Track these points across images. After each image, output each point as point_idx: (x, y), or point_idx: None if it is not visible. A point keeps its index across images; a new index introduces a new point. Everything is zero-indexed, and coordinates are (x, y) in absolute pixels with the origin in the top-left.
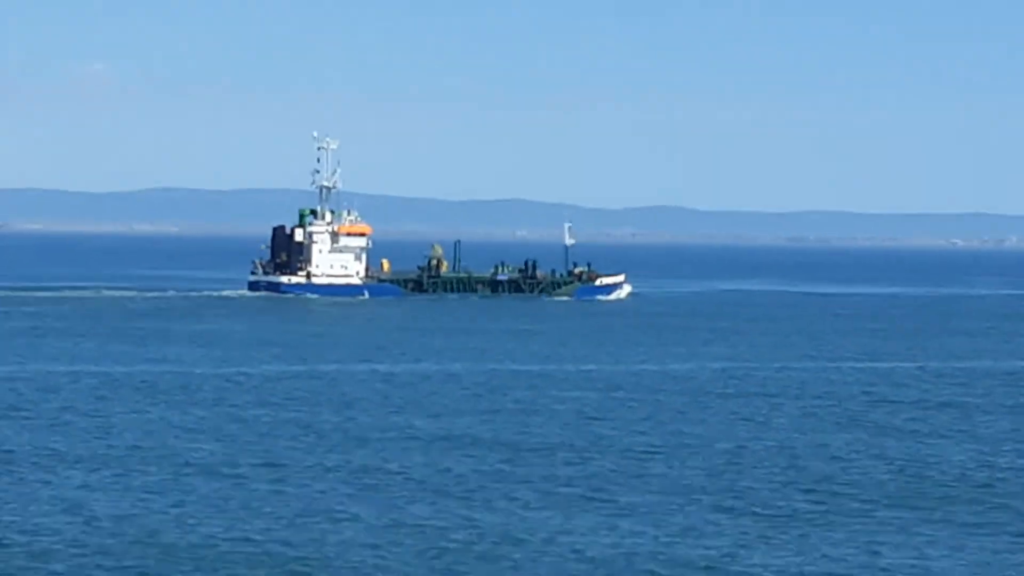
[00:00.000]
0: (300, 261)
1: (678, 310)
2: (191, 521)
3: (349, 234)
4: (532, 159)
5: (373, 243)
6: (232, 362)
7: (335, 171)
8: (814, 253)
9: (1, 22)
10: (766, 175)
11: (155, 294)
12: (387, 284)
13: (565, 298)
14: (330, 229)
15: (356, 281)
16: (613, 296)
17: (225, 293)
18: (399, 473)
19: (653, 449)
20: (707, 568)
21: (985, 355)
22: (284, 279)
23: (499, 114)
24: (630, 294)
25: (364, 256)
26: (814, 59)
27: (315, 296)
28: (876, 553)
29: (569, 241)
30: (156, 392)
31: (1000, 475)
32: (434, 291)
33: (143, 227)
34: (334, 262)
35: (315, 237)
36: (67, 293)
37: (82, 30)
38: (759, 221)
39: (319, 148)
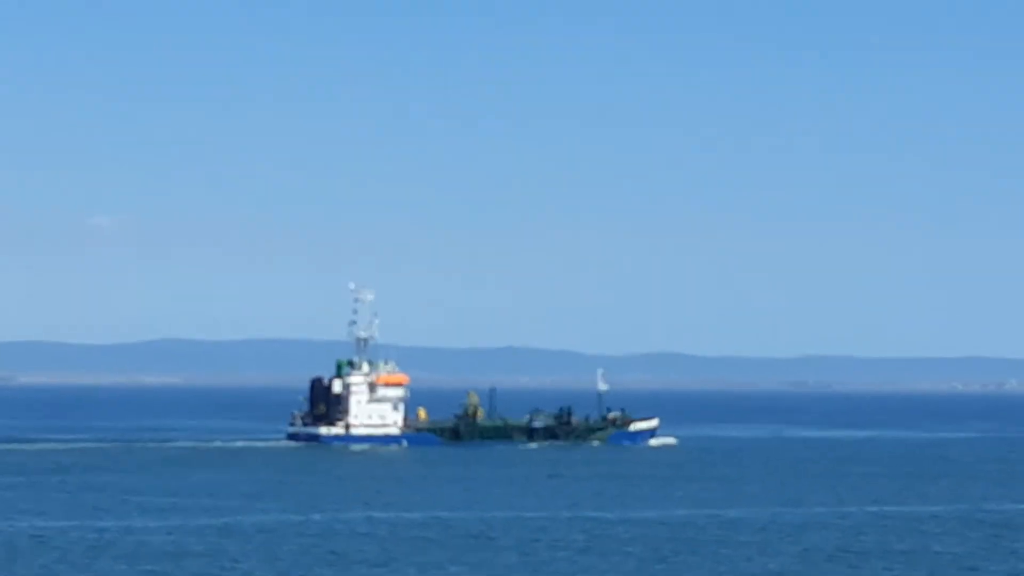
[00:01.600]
0: (339, 412)
1: (693, 456)
2: None
3: (387, 384)
4: (531, 307)
5: (410, 392)
6: (235, 512)
7: (372, 322)
8: (815, 399)
9: (1, 176)
10: (766, 320)
11: (194, 444)
12: (425, 433)
13: (599, 444)
14: (368, 380)
15: (394, 431)
16: (651, 443)
17: (266, 444)
18: None
19: None
20: None
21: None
22: (323, 430)
23: (497, 263)
24: (668, 444)
25: (402, 405)
26: (812, 203)
27: (354, 446)
28: None
29: (603, 387)
30: (146, 550)
31: None
32: (471, 439)
33: (147, 379)
34: (372, 412)
35: (353, 388)
36: (92, 445)
37: (84, 183)
38: (760, 366)
39: (355, 300)
